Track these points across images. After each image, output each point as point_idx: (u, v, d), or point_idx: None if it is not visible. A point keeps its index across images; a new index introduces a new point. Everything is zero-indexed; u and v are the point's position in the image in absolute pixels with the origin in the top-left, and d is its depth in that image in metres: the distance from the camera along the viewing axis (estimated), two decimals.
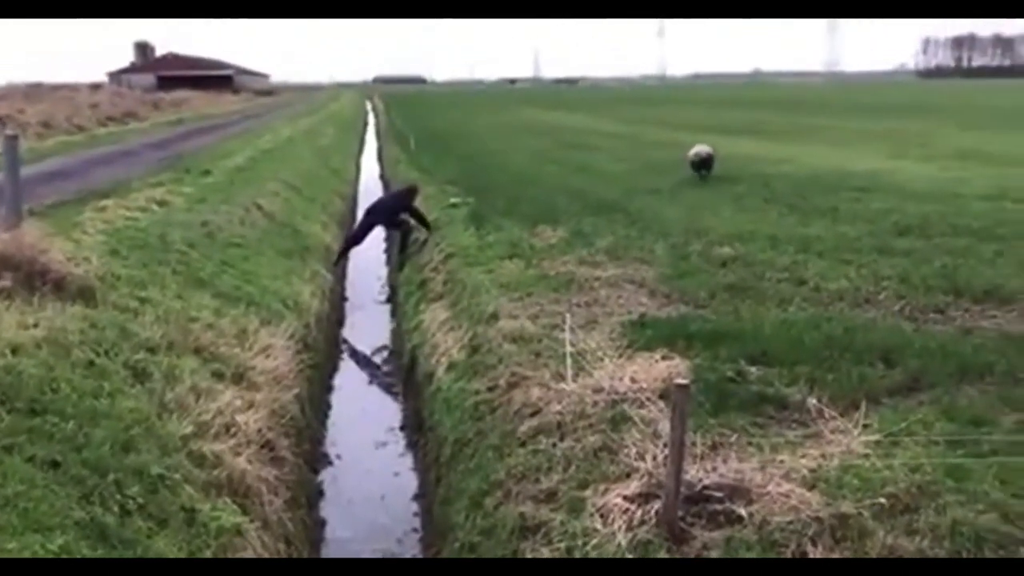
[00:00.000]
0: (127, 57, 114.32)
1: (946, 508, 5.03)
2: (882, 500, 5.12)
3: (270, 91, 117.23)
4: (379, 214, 16.70)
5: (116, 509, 5.27)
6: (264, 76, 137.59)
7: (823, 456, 5.73)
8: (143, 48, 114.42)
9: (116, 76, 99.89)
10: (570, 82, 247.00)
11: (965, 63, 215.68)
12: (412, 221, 16.28)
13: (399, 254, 16.20)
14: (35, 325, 7.24)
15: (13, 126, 27.46)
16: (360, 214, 18.37)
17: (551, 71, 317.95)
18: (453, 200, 18.25)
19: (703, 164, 20.51)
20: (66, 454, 5.52)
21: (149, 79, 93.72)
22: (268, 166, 24.11)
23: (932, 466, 5.47)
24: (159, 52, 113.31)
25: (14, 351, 6.56)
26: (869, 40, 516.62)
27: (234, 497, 6.41)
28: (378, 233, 17.68)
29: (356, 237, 16.95)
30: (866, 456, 5.68)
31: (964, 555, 4.70)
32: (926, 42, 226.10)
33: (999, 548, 4.75)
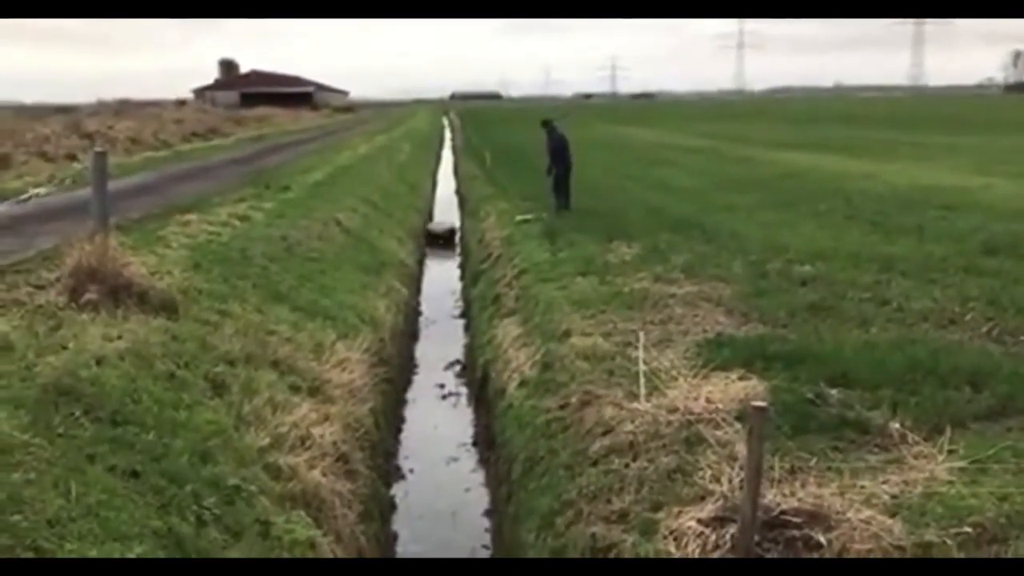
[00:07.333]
0: (213, 74, 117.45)
1: None
2: (968, 529, 4.94)
3: (349, 107, 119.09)
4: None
5: (193, 520, 5.36)
6: (343, 93, 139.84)
7: (906, 482, 5.56)
8: (228, 65, 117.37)
9: (201, 93, 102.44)
10: (647, 96, 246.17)
11: None
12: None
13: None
14: (119, 337, 7.42)
15: (102, 142, 28.44)
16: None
17: (627, 86, 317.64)
18: (523, 216, 18.23)
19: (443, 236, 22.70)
20: (146, 464, 5.63)
21: (233, 96, 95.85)
22: (346, 182, 24.47)
23: (1022, 495, 5.26)
24: (243, 69, 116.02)
25: (98, 362, 6.72)
26: (954, 53, 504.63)
27: (308, 510, 6.48)
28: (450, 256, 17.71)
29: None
30: (951, 483, 5.50)
31: None
32: (1016, 55, 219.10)
33: None
